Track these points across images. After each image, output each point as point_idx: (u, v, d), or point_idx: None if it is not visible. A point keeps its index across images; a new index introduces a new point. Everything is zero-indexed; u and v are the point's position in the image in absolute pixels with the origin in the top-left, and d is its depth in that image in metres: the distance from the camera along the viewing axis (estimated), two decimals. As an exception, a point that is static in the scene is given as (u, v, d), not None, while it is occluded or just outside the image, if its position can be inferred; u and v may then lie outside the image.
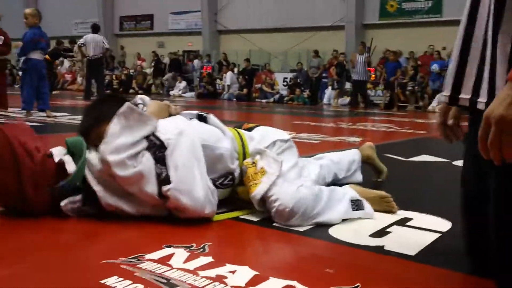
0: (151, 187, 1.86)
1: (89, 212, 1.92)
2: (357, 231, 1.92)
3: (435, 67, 12.77)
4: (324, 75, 14.94)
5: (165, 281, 1.34)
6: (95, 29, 11.85)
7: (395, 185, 2.76)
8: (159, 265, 1.46)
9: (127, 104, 1.96)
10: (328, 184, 2.48)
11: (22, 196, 1.84)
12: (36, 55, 7.14)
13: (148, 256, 1.53)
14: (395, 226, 2.00)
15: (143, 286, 1.30)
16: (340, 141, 5.16)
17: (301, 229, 1.91)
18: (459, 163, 3.23)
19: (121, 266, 1.44)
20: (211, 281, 1.36)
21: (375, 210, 2.12)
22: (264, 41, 19.17)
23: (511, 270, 1.25)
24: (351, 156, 2.80)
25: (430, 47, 13.84)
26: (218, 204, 2.03)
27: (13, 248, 1.61)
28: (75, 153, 1.95)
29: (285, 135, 2.32)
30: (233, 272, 1.43)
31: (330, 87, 14.60)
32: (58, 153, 1.97)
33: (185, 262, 1.50)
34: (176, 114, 2.23)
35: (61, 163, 1.91)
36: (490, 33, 1.22)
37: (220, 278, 1.38)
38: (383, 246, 1.74)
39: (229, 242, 1.76)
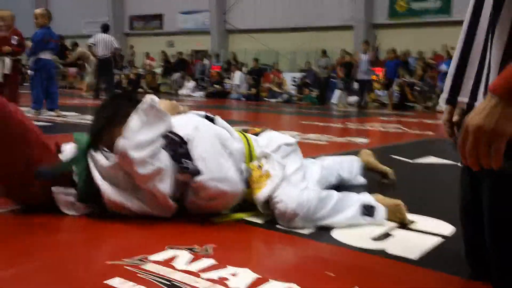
0: (165, 186, 1.91)
1: (84, 211, 1.96)
2: (360, 234, 1.93)
3: (443, 67, 12.71)
4: (332, 75, 14.92)
5: (167, 282, 1.37)
6: (105, 28, 11.91)
7: (399, 187, 2.77)
8: (162, 266, 1.48)
9: (147, 100, 1.99)
10: (334, 186, 2.50)
11: (27, 178, 1.87)
12: (45, 55, 7.20)
13: (151, 257, 1.55)
14: (398, 230, 2.01)
15: (145, 287, 1.32)
16: (348, 142, 5.17)
17: (305, 231, 1.92)
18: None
19: (124, 267, 1.46)
20: (213, 283, 1.38)
21: (388, 219, 2.09)
22: (273, 41, 19.18)
23: (507, 275, 1.26)
24: (349, 158, 2.87)
25: (443, 47, 13.70)
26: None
27: (17, 248, 1.63)
28: (76, 148, 2.01)
29: (290, 139, 2.34)
30: (234, 274, 1.45)
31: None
32: (68, 149, 2.03)
33: (187, 264, 1.52)
34: (185, 113, 2.27)
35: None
36: (490, 37, 1.23)
37: (221, 280, 1.40)
38: (384, 250, 1.75)
39: (232, 244, 1.78)
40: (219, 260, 1.56)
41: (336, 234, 1.92)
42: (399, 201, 2.14)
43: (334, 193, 2.09)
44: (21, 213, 1.96)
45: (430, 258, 1.70)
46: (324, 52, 15.49)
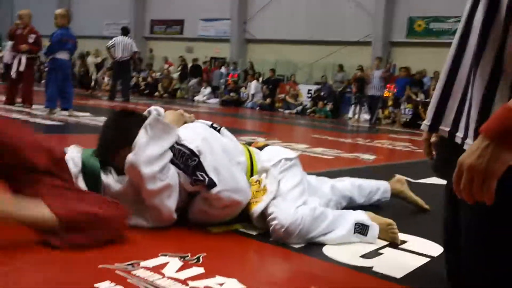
0: (172, 201, 1.97)
1: None
2: (351, 251, 1.98)
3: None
4: (348, 90, 14.97)
5: (155, 288, 1.43)
6: (125, 31, 12.07)
7: (396, 207, 2.80)
8: (152, 272, 1.54)
9: (153, 115, 2.04)
10: (344, 208, 2.53)
11: None
12: (62, 55, 7.33)
13: (143, 263, 1.61)
14: (387, 248, 2.06)
15: (133, 292, 1.39)
16: (355, 158, 5.20)
17: (296, 246, 1.98)
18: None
19: (115, 271, 1.52)
20: (198, 291, 1.44)
21: (380, 238, 2.13)
22: (291, 52, 19.25)
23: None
24: (376, 184, 2.81)
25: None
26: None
27: (8, 250, 1.66)
28: (87, 174, 1.99)
29: (291, 153, 2.37)
30: (221, 284, 1.51)
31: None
32: (73, 169, 1.98)
33: (177, 271, 1.58)
34: (191, 123, 2.33)
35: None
36: (473, 74, 1.29)
37: (207, 289, 1.46)
38: (371, 267, 1.80)
39: (223, 254, 1.83)
40: (208, 269, 1.62)
41: (327, 249, 1.97)
42: (391, 221, 2.18)
43: (329, 212, 2.14)
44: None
45: (415, 277, 1.75)
46: (341, 67, 15.53)
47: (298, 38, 19.10)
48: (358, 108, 13.80)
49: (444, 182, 3.87)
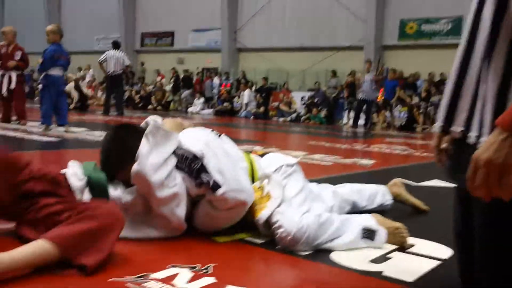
0: (181, 210, 1.97)
1: None
2: (358, 256, 1.96)
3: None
4: (341, 95, 15.01)
5: (167, 300, 1.41)
6: (116, 45, 12.07)
7: (401, 210, 2.79)
8: (163, 284, 1.53)
9: (152, 123, 2.04)
10: (348, 213, 2.51)
11: None
12: (55, 71, 7.32)
13: (153, 275, 1.60)
14: (396, 252, 2.04)
15: (146, 305, 1.37)
16: (352, 164, 5.20)
17: (303, 252, 1.96)
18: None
19: (126, 284, 1.51)
20: (211, 301, 1.42)
21: (388, 242, 2.11)
22: (283, 60, 19.34)
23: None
24: (375, 188, 2.80)
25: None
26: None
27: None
28: (94, 188, 1.97)
29: (291, 159, 2.37)
30: (233, 293, 1.50)
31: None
32: (77, 183, 1.96)
33: (188, 282, 1.57)
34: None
35: None
36: (485, 68, 1.28)
37: (220, 299, 1.44)
38: (381, 272, 1.79)
39: (232, 264, 1.82)
40: (219, 279, 1.60)
41: (334, 256, 1.95)
42: (399, 224, 2.17)
43: (335, 217, 2.12)
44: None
45: (426, 281, 1.74)
46: (334, 73, 15.60)
47: (289, 46, 19.21)
48: (352, 113, 13.81)
49: (446, 184, 3.88)
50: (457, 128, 1.37)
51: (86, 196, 1.95)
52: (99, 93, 18.27)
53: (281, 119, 15.40)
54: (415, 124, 13.08)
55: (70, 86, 14.30)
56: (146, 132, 2.00)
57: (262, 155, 2.43)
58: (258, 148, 5.47)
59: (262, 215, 2.06)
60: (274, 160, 2.35)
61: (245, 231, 2.15)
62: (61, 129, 7.30)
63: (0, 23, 26.58)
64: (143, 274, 1.60)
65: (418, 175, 4.39)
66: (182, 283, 1.55)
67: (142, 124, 2.20)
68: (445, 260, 1.98)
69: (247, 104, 16.53)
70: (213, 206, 2.02)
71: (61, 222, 1.69)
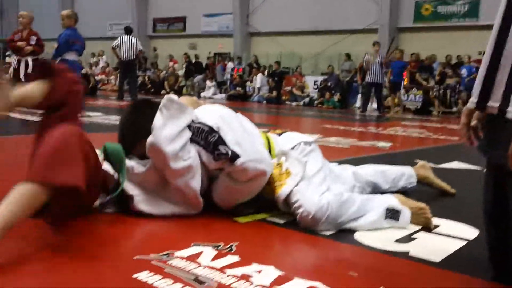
0: (196, 183, 1.96)
1: (109, 210, 2.02)
2: (383, 236, 1.93)
3: (464, 71, 12.53)
4: (355, 79, 14.85)
5: (193, 277, 1.40)
6: (128, 31, 12.05)
7: (423, 192, 2.75)
8: (188, 262, 1.51)
9: (166, 97, 2.02)
10: (369, 193, 2.47)
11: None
12: (71, 56, 7.31)
13: (177, 253, 1.58)
14: (421, 233, 2.01)
15: (172, 281, 1.36)
16: (370, 146, 5.15)
17: (327, 232, 1.94)
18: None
19: (152, 262, 1.50)
20: (237, 279, 1.41)
21: (412, 223, 2.07)
22: (296, 44, 19.18)
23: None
24: (400, 169, 2.74)
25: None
26: (245, 205, 2.11)
27: (50, 242, 1.68)
28: (112, 160, 1.99)
29: (309, 138, 2.34)
30: (259, 271, 1.47)
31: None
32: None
33: (212, 260, 1.55)
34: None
35: (104, 172, 1.97)
36: None
37: (246, 277, 1.43)
38: (408, 252, 1.76)
39: (255, 243, 1.80)
40: (243, 257, 1.59)
41: (358, 236, 1.93)
42: (423, 205, 2.13)
43: (357, 196, 2.09)
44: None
45: (454, 261, 1.70)
46: (348, 56, 15.42)
47: (302, 29, 19.02)
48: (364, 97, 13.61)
49: (467, 166, 3.82)
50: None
51: (105, 166, 1.97)
52: (112, 79, 18.30)
53: (294, 104, 15.33)
54: (431, 108, 12.94)
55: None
56: (160, 105, 2.00)
57: (279, 134, 2.40)
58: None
59: (282, 191, 2.03)
60: (291, 138, 2.32)
61: (266, 211, 2.13)
62: (77, 113, 7.29)
63: (15, 9, 26.68)
64: (167, 252, 1.59)
65: (437, 157, 4.33)
66: (207, 261, 1.53)
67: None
68: (470, 240, 1.95)
69: (259, 89, 16.46)
70: (233, 179, 2.00)
71: None
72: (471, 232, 2.04)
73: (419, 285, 1.48)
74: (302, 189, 2.01)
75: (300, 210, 1.96)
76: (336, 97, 14.75)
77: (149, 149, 1.93)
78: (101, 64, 19.91)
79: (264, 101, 15.82)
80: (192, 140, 1.98)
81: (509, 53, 1.29)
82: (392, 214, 2.05)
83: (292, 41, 19.38)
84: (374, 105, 13.36)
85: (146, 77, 18.60)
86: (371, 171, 2.63)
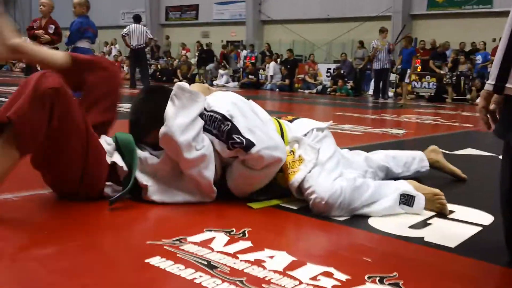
0: (209, 172, 1.95)
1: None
2: (397, 222, 1.91)
3: (478, 58, 12.33)
4: (368, 66, 14.69)
5: (205, 262, 1.39)
6: (137, 19, 12.08)
7: (437, 178, 2.72)
8: (200, 247, 1.51)
9: (177, 85, 2.01)
10: (382, 179, 2.46)
11: (79, 187, 1.91)
12: (83, 44, 7.29)
13: (190, 238, 1.58)
14: (436, 218, 1.99)
15: (184, 267, 1.35)
16: (383, 133, 5.10)
17: (340, 218, 1.92)
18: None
19: (164, 247, 1.50)
20: (250, 264, 1.40)
21: (427, 209, 2.05)
22: (308, 32, 19.04)
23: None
24: (411, 154, 2.72)
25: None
26: (258, 192, 2.09)
27: (63, 228, 1.68)
28: (123, 151, 1.99)
29: (322, 124, 2.32)
30: (271, 257, 1.47)
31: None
32: (107, 147, 2.01)
33: (225, 245, 1.54)
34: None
35: (113, 165, 1.97)
36: None
37: (258, 262, 1.42)
38: (423, 238, 1.74)
39: (268, 229, 1.79)
40: (255, 243, 1.58)
41: (372, 221, 1.91)
42: (437, 190, 2.10)
43: (370, 182, 2.07)
44: (62, 195, 2.01)
45: (469, 247, 1.68)
46: (361, 43, 15.27)
47: (315, 17, 18.86)
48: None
49: (481, 152, 3.78)
50: None
51: (116, 157, 1.97)
52: (125, 68, 18.34)
53: (306, 91, 15.25)
54: (444, 95, 12.80)
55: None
56: (171, 95, 1.98)
57: (291, 121, 2.37)
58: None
59: (295, 179, 2.02)
60: (304, 124, 2.29)
61: (279, 198, 2.12)
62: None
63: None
64: (180, 237, 1.58)
65: (450, 144, 4.29)
66: (219, 247, 1.53)
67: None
68: (486, 226, 1.92)
69: (272, 77, 16.39)
70: (248, 167, 1.99)
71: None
72: (486, 218, 2.02)
73: (435, 271, 1.46)
74: (315, 175, 1.99)
75: (313, 196, 1.94)
76: (349, 85, 14.63)
77: (162, 139, 1.92)
78: (114, 52, 19.94)
79: (277, 89, 15.76)
80: (204, 129, 1.97)
81: None
82: (406, 199, 2.02)
83: (305, 29, 19.23)
84: (389, 93, 13.24)
85: (159, 66, 18.60)
86: (382, 156, 2.61)
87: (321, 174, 2.00)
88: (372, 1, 17.55)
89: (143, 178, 1.97)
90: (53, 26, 7.89)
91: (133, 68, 12.50)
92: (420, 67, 13.72)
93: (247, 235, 1.65)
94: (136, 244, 1.54)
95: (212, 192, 2.01)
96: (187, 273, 1.31)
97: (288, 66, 15.99)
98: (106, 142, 2.02)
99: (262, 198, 2.10)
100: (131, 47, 11.76)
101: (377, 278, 1.35)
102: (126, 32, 11.75)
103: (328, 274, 1.36)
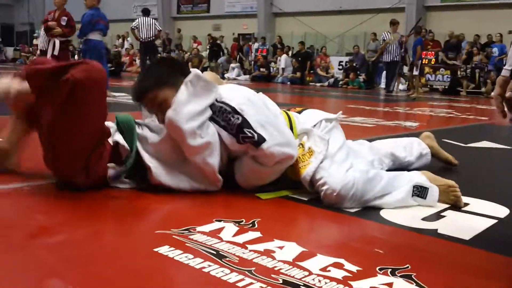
0: (214, 160, 1.93)
1: (132, 185, 2.01)
2: (410, 214, 1.88)
3: (495, 50, 12.15)
4: (381, 59, 14.53)
5: (214, 252, 1.37)
6: (146, 12, 12.11)
7: (452, 170, 2.68)
8: (209, 237, 1.49)
9: (194, 72, 1.99)
10: (389, 166, 2.44)
11: (85, 170, 1.91)
12: (95, 36, 7.30)
13: (199, 228, 1.56)
14: (449, 211, 1.95)
15: (193, 256, 1.34)
16: (396, 126, 5.05)
17: (351, 210, 1.89)
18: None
19: (173, 236, 1.48)
20: (259, 254, 1.38)
21: (441, 201, 2.01)
22: (320, 24, 18.90)
23: None
24: (408, 139, 2.71)
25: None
26: (269, 183, 2.07)
27: (72, 217, 1.68)
28: (124, 130, 2.00)
29: (330, 115, 2.28)
30: (281, 247, 1.44)
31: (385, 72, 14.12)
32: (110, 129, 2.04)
33: (234, 235, 1.52)
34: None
35: (115, 144, 1.98)
36: None
37: (268, 253, 1.40)
38: (436, 230, 1.70)
39: (277, 219, 1.77)
40: (265, 233, 1.56)
41: (384, 213, 1.88)
42: (452, 182, 2.06)
43: (384, 173, 2.03)
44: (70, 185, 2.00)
45: (484, 239, 1.64)
46: (375, 35, 15.12)
47: (327, 9, 18.71)
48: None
49: (496, 145, 3.72)
50: None
51: (117, 137, 1.99)
52: (137, 61, 18.36)
53: (318, 84, 15.17)
54: (458, 88, 12.65)
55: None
56: (186, 80, 1.96)
57: (299, 112, 2.34)
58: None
59: (307, 172, 1.98)
60: (312, 116, 2.26)
61: (289, 188, 2.09)
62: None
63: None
64: (189, 227, 1.57)
65: (465, 136, 4.23)
66: (228, 237, 1.51)
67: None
68: (501, 219, 1.88)
69: (283, 69, 16.32)
70: (259, 163, 1.96)
71: None
72: (501, 211, 1.97)
73: (448, 263, 1.43)
74: (326, 166, 1.96)
75: (325, 188, 1.91)
76: (362, 78, 14.52)
77: (168, 124, 1.91)
78: (126, 46, 19.96)
79: (288, 82, 15.69)
80: (212, 119, 1.95)
81: None
82: (420, 191, 1.98)
83: (316, 21, 19.09)
84: (401, 86, 13.10)
85: (171, 59, 18.57)
86: (384, 143, 2.60)
87: (332, 165, 1.97)
88: (385, -8, 17.37)
89: (146, 159, 1.96)
90: (65, 18, 7.89)
91: (144, 60, 12.51)
92: (434, 59, 13.52)
93: (256, 226, 1.63)
94: (145, 234, 1.53)
95: (217, 181, 1.99)
96: (196, 262, 1.30)
97: (300, 59, 15.90)
98: (108, 124, 2.05)
99: (270, 188, 2.07)
100: (141, 40, 11.79)
101: (389, 270, 1.32)
102: (135, 25, 11.79)
103: (339, 265, 1.34)
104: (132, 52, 19.34)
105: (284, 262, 1.34)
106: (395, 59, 11.56)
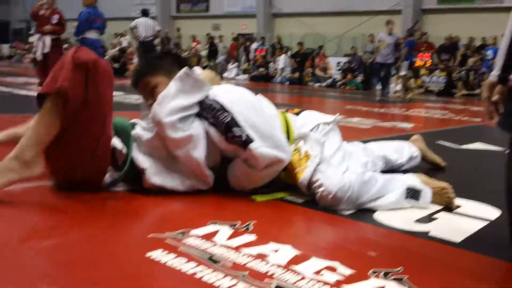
0: (198, 153, 1.94)
1: (127, 188, 2.03)
2: (403, 216, 1.90)
3: (489, 53, 12.16)
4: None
5: (207, 256, 1.39)
6: (145, 13, 12.15)
7: (445, 172, 2.70)
8: (204, 240, 1.51)
9: (184, 69, 2.01)
10: (382, 168, 2.46)
11: (87, 171, 1.92)
12: (91, 34, 7.28)
13: (193, 231, 1.58)
14: (442, 213, 1.97)
15: (186, 260, 1.35)
16: (391, 127, 5.07)
17: (346, 212, 1.91)
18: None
19: (166, 240, 1.49)
20: (253, 258, 1.39)
21: (434, 203, 2.03)
22: (319, 25, 18.92)
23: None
24: (398, 142, 2.75)
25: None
26: (263, 186, 2.08)
27: (65, 220, 1.69)
28: (120, 133, 2.02)
29: (328, 118, 2.29)
30: (275, 250, 1.46)
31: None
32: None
33: (228, 239, 1.54)
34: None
35: (112, 149, 1.99)
36: None
37: (262, 256, 1.41)
38: (428, 232, 1.72)
39: (273, 222, 1.79)
40: (260, 236, 1.57)
41: (378, 215, 1.90)
42: (445, 184, 2.08)
43: (379, 176, 2.05)
44: (64, 187, 2.02)
45: (475, 241, 1.66)
46: (372, 37, 15.14)
47: (326, 10, 18.73)
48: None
49: (489, 147, 3.74)
50: None
51: (114, 141, 2.01)
52: (135, 59, 18.35)
53: (316, 85, 15.18)
54: (454, 90, 12.67)
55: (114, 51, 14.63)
56: (176, 76, 2.00)
57: (297, 113, 2.35)
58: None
59: (304, 177, 1.99)
60: (310, 119, 2.27)
61: (284, 191, 2.11)
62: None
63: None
64: (183, 230, 1.58)
65: (459, 138, 4.25)
66: (222, 240, 1.52)
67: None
68: (493, 221, 1.90)
69: (282, 70, 16.33)
70: (250, 166, 1.97)
71: None
72: (492, 213, 2.00)
73: (440, 265, 1.45)
74: (322, 169, 1.98)
75: (321, 189, 1.93)
76: (359, 79, 14.54)
77: (152, 117, 1.97)
78: (124, 44, 19.94)
79: (287, 82, 15.70)
80: (200, 115, 1.97)
81: None
82: (413, 193, 2.01)
83: (315, 22, 19.10)
84: (398, 87, 13.08)
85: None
86: (376, 146, 2.63)
87: (329, 168, 1.99)
88: (382, -5, 17.39)
89: (141, 161, 1.98)
90: (56, 17, 7.84)
91: (142, 59, 12.54)
92: (430, 61, 13.55)
93: (251, 228, 1.65)
94: (138, 237, 1.54)
95: (205, 176, 1.99)
96: (189, 267, 1.31)
97: (298, 59, 15.91)
98: None
99: (265, 190, 2.08)
100: (139, 39, 11.81)
101: (381, 273, 1.34)
102: (134, 25, 11.83)
103: (332, 269, 1.35)
104: (130, 50, 19.32)
105: (278, 266, 1.35)
106: (388, 61, 11.47)
